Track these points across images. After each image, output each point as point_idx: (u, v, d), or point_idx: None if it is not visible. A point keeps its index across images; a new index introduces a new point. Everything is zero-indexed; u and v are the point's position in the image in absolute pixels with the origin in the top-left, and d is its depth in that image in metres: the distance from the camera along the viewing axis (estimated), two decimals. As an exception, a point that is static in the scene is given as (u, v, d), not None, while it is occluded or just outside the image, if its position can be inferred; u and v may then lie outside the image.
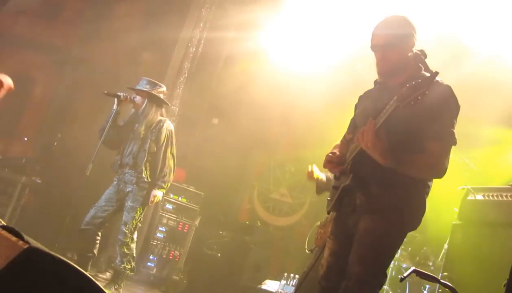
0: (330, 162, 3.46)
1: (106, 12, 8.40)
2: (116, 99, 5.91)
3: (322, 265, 3.51)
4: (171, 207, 8.37)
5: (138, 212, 5.91)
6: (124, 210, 5.94)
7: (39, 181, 7.65)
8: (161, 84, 6.20)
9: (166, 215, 8.28)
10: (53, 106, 8.59)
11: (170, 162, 6.08)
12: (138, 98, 6.05)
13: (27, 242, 1.90)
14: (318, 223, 5.31)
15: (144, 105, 6.05)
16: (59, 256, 1.84)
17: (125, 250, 5.90)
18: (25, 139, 8.75)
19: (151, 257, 8.11)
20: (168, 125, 6.13)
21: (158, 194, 5.99)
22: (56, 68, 8.53)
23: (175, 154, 6.15)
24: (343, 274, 3.27)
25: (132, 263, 5.96)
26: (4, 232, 2.02)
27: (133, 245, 5.97)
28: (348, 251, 3.29)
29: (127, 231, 5.88)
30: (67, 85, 8.38)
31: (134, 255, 6.00)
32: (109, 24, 8.33)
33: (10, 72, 8.06)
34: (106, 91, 5.90)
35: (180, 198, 8.50)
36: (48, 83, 8.74)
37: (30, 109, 8.68)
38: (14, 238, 1.96)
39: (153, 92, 6.07)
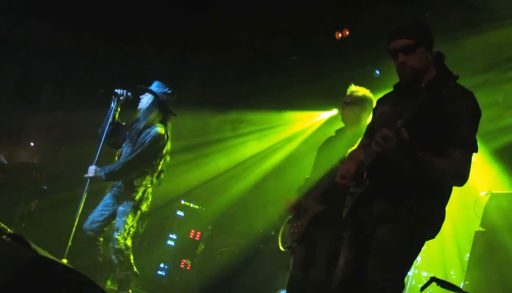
0: (344, 178, 3.44)
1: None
2: (113, 97, 5.94)
3: (337, 274, 3.49)
4: (182, 214, 8.37)
5: (130, 217, 5.87)
6: (116, 215, 5.95)
7: (45, 187, 7.71)
8: (171, 91, 6.20)
9: (177, 222, 8.29)
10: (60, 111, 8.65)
11: (143, 165, 5.97)
12: (144, 99, 6.07)
13: (34, 251, 1.94)
14: (290, 217, 5.22)
15: (147, 106, 6.08)
16: (66, 264, 1.88)
17: (121, 258, 5.85)
18: (32, 144, 8.82)
19: (161, 265, 8.13)
20: (160, 130, 6.00)
21: (93, 169, 5.76)
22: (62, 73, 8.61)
23: (158, 162, 6.05)
24: (359, 283, 3.29)
25: (132, 269, 5.93)
26: (11, 241, 2.07)
27: (128, 252, 5.87)
28: (364, 260, 3.30)
29: (119, 238, 5.79)
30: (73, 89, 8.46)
31: (132, 261, 5.91)
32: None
33: (16, 76, 8.27)
34: (101, 89, 5.96)
35: (191, 205, 8.50)
36: (54, 87, 8.83)
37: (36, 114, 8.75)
38: (21, 247, 2.00)
39: (160, 95, 6.12)
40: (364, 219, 3.41)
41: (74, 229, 5.57)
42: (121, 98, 5.98)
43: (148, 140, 5.87)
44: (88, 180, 5.69)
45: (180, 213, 8.35)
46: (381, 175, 3.28)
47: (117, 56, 8.41)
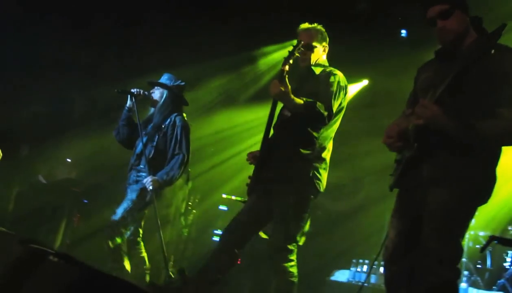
0: (390, 137, 3.44)
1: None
2: (129, 96, 5.88)
3: (387, 247, 3.46)
4: (225, 209, 8.34)
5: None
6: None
7: (86, 201, 7.79)
8: (182, 81, 6.12)
9: (221, 217, 8.28)
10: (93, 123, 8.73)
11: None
12: (156, 93, 6.00)
13: (84, 268, 1.94)
14: None
15: (162, 101, 5.98)
16: (115, 276, 1.87)
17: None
18: (68, 160, 8.91)
19: (211, 263, 8.13)
20: (182, 117, 5.96)
21: (150, 181, 5.63)
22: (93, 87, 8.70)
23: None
24: (414, 253, 3.27)
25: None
26: (59, 261, 2.07)
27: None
28: (417, 229, 3.25)
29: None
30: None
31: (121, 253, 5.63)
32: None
33: (48, 92, 8.37)
34: (117, 89, 5.88)
35: (233, 197, 8.48)
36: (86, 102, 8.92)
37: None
38: (70, 266, 2.00)
39: (173, 88, 6.01)
40: (413, 185, 3.37)
41: (163, 245, 5.61)
42: (138, 97, 5.91)
43: (179, 131, 5.83)
44: (151, 193, 5.59)
45: (223, 207, 8.33)
46: (429, 138, 3.24)
47: (145, 67, 8.47)
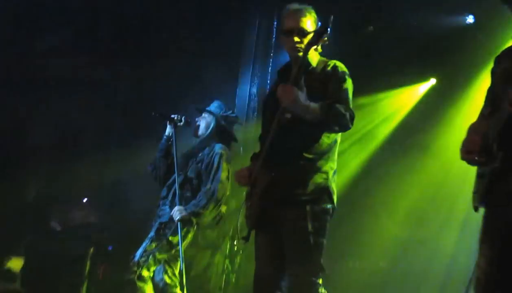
0: (471, 152, 3.23)
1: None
2: (168, 122, 5.83)
3: (479, 278, 3.25)
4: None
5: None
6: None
7: (111, 248, 7.73)
8: (233, 112, 6.09)
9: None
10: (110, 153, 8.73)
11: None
12: (202, 122, 5.93)
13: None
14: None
15: (207, 133, 5.89)
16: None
17: None
18: (85, 200, 8.91)
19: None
20: (224, 149, 5.86)
21: (177, 210, 5.63)
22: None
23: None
24: (510, 284, 3.10)
25: None
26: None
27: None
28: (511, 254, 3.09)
29: None
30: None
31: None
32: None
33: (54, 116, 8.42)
34: (154, 112, 5.86)
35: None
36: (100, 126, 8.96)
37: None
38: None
39: (221, 118, 5.90)
40: (502, 203, 3.16)
41: (185, 287, 5.57)
42: (178, 124, 5.86)
43: (216, 160, 5.72)
44: (179, 224, 5.55)
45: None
46: None
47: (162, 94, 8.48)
